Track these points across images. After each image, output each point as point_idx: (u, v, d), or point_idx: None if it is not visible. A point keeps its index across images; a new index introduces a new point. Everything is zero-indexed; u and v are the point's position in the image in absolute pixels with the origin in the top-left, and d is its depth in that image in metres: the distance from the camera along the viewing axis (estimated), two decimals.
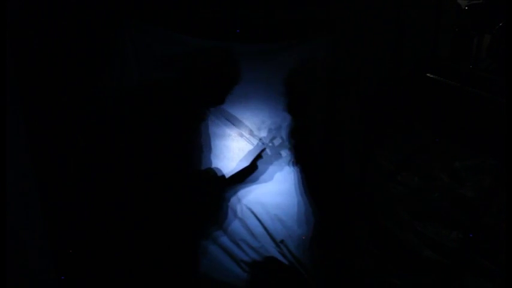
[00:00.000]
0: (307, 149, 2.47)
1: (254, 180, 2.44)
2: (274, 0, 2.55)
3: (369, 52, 3.04)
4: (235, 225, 2.38)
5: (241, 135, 2.47)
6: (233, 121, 2.48)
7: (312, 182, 2.44)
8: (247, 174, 2.40)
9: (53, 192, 2.12)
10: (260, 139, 2.47)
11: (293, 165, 2.49)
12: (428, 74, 3.60)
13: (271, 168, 2.48)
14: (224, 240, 2.34)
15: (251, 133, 2.49)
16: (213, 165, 2.43)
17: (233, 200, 2.42)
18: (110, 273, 2.12)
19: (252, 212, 2.42)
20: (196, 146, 2.33)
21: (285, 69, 2.43)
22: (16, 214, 1.18)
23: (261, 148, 2.46)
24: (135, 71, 2.34)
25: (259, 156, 2.41)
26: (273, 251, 2.30)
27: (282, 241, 2.31)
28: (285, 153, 2.49)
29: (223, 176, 2.38)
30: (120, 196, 2.22)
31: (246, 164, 2.43)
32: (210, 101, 2.40)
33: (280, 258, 2.27)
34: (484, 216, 2.54)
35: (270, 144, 2.46)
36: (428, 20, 3.50)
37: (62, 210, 2.17)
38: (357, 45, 2.86)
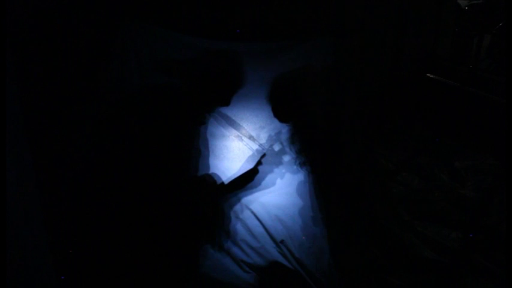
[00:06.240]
0: (308, 151, 2.47)
1: (256, 186, 2.44)
2: (274, 0, 2.55)
3: (369, 52, 3.05)
4: (235, 226, 2.38)
5: (241, 139, 2.47)
6: (233, 123, 2.48)
7: (312, 182, 2.44)
8: (248, 180, 2.39)
9: (53, 193, 2.13)
10: (260, 144, 2.47)
11: (294, 167, 2.49)
12: (428, 74, 3.60)
13: (271, 172, 2.48)
14: (224, 240, 2.34)
15: (251, 138, 2.48)
16: (213, 166, 2.43)
17: (234, 200, 2.42)
18: (110, 273, 2.12)
19: (252, 213, 2.42)
20: (195, 149, 2.33)
21: (285, 69, 2.43)
22: (16, 214, 1.18)
23: (261, 153, 2.45)
24: (136, 72, 2.34)
25: (259, 163, 2.41)
26: (273, 251, 2.30)
27: (282, 241, 2.31)
28: (287, 158, 2.49)
29: (222, 182, 2.37)
30: (120, 197, 2.22)
31: (246, 167, 2.42)
32: (212, 104, 2.40)
33: (280, 258, 2.27)
34: (484, 216, 2.54)
35: (270, 150, 2.46)
36: (428, 20, 3.50)
37: (62, 210, 2.17)
38: (357, 45, 2.86)
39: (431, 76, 3.58)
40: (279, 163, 2.47)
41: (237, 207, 2.42)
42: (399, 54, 3.36)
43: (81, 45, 2.25)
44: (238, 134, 2.47)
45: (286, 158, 2.48)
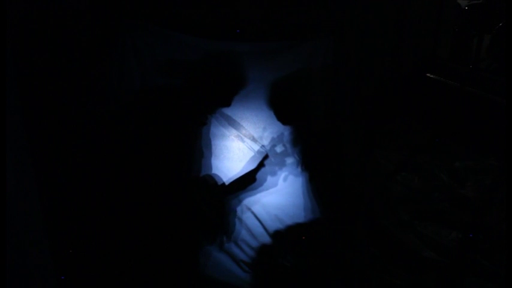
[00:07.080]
0: (309, 151, 2.47)
1: (257, 187, 2.44)
2: (275, 0, 2.55)
3: (369, 52, 3.04)
4: (236, 226, 2.38)
5: (242, 140, 2.46)
6: (234, 124, 2.47)
7: (313, 182, 2.44)
8: (249, 181, 2.39)
9: (53, 192, 2.13)
10: (262, 146, 2.46)
11: (296, 168, 2.49)
12: (428, 74, 3.60)
13: (273, 174, 2.47)
14: (225, 240, 2.34)
15: (252, 139, 2.47)
16: (215, 166, 2.43)
17: (235, 201, 2.42)
18: (110, 273, 2.12)
19: (253, 213, 2.42)
20: (197, 150, 2.33)
21: (285, 69, 2.43)
22: (16, 214, 1.18)
23: (263, 154, 2.44)
24: (136, 72, 2.33)
25: (261, 164, 2.40)
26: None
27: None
28: (289, 160, 2.48)
29: (224, 183, 2.37)
30: (121, 197, 2.22)
31: (248, 168, 2.42)
32: (212, 104, 2.40)
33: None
34: (484, 216, 2.54)
35: (272, 151, 2.45)
36: (429, 20, 3.50)
37: (62, 210, 2.17)
38: (357, 45, 2.86)
39: (431, 76, 3.58)
40: (281, 164, 2.47)
41: (238, 208, 2.42)
42: (399, 54, 3.35)
43: (81, 45, 2.25)
44: (240, 134, 2.47)
45: (289, 160, 2.47)
